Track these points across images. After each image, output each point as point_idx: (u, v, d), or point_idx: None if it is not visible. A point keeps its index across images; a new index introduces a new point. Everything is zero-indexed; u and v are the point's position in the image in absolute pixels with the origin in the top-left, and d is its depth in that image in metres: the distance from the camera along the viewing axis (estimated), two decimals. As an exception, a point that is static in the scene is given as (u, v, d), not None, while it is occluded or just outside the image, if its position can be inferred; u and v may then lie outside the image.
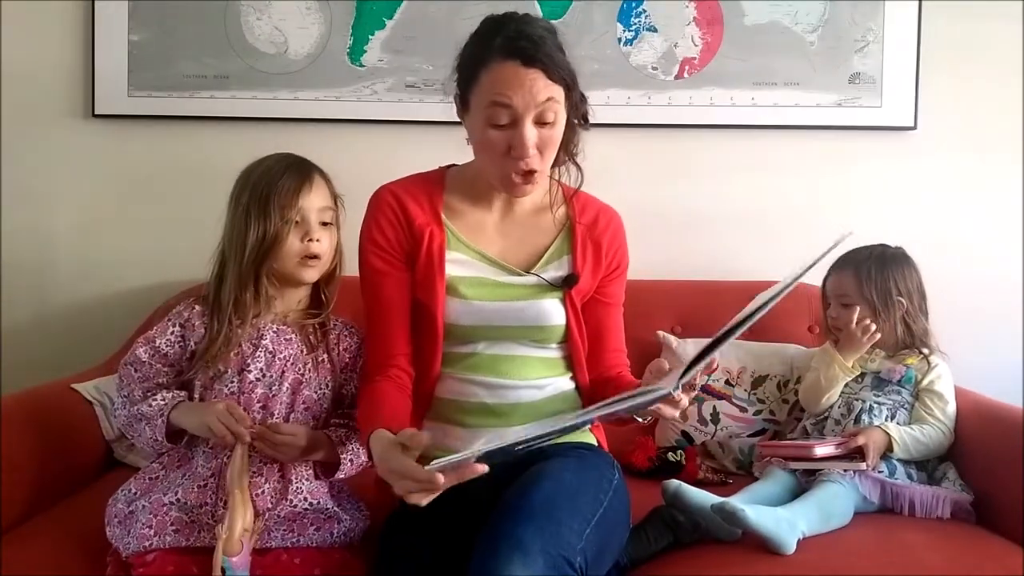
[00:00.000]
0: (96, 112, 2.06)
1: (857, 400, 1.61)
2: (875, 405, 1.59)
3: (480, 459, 0.99)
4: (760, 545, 1.31)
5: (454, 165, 1.43)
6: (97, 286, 2.10)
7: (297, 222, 1.31)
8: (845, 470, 1.47)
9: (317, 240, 1.32)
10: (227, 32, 2.07)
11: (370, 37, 2.08)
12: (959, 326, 2.04)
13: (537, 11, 2.06)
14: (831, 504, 1.41)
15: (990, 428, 1.54)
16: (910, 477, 1.51)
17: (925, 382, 1.60)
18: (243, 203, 1.30)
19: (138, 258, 2.10)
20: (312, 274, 1.34)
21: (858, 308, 1.62)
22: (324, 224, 1.34)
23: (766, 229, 2.12)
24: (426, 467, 0.99)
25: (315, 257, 1.32)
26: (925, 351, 1.63)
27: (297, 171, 1.33)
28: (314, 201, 1.33)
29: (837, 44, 2.09)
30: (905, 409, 1.59)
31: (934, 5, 2.08)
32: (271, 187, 1.30)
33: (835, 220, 2.09)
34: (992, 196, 2.14)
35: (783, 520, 1.32)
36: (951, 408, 1.58)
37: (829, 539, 1.35)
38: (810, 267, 1.07)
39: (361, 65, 2.08)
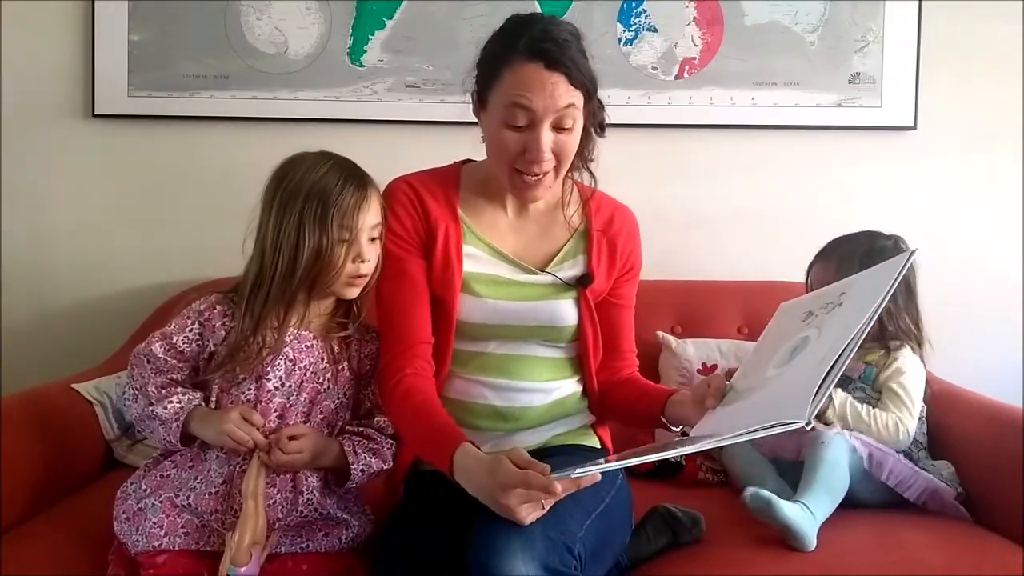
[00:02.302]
0: (96, 112, 2.06)
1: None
2: None
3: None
4: (759, 545, 1.31)
5: (469, 161, 1.41)
6: (97, 286, 2.11)
7: (349, 241, 1.24)
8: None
9: (367, 261, 1.26)
10: (227, 32, 2.07)
11: (370, 37, 2.08)
12: (959, 326, 2.05)
13: (537, 11, 2.06)
14: (834, 479, 1.39)
15: (990, 428, 1.54)
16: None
17: (883, 376, 1.57)
18: (295, 211, 1.22)
19: (138, 258, 2.10)
20: (355, 292, 1.29)
21: None
22: (371, 240, 1.28)
23: (766, 229, 2.12)
24: (553, 475, 1.00)
25: (361, 276, 1.27)
26: (892, 344, 1.59)
27: (356, 186, 1.25)
28: (369, 219, 1.26)
29: (837, 44, 2.09)
30: (868, 405, 1.56)
31: (934, 5, 2.08)
32: (329, 200, 1.22)
33: (835, 220, 2.09)
34: (992, 196, 2.14)
35: (807, 519, 1.31)
36: (910, 404, 1.53)
37: (829, 539, 1.34)
38: (890, 289, 1.03)
39: (361, 65, 2.08)
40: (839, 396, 1.53)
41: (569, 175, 1.36)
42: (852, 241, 1.65)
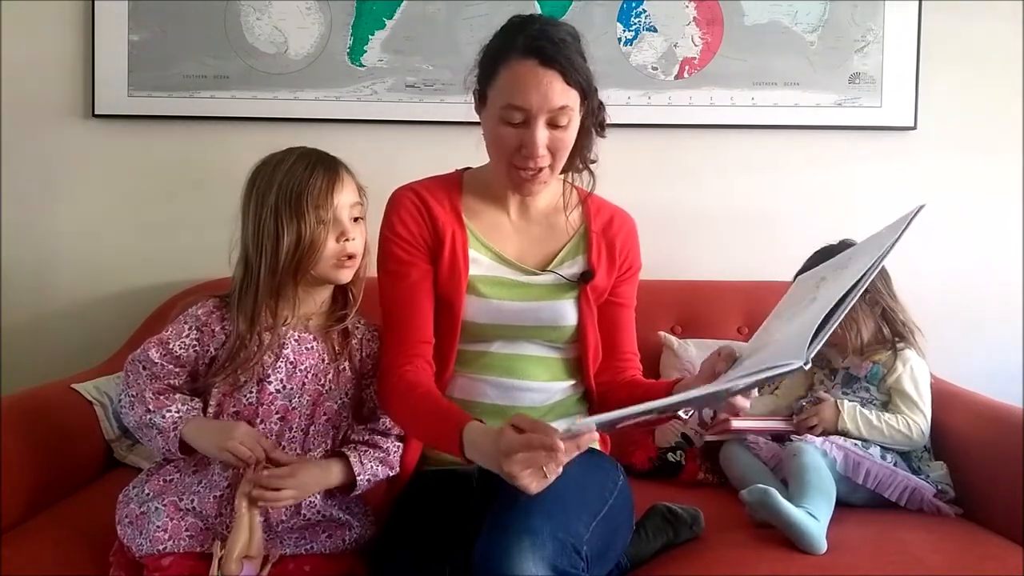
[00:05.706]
0: (96, 112, 2.07)
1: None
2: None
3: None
4: (759, 545, 1.31)
5: (469, 168, 1.43)
6: (97, 286, 2.11)
7: (329, 221, 1.25)
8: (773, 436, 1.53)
9: (352, 239, 1.27)
10: (227, 32, 2.07)
11: (370, 37, 2.08)
12: (959, 326, 2.06)
13: (537, 11, 2.06)
14: (821, 480, 1.41)
15: (990, 428, 1.54)
16: (883, 458, 1.50)
17: (891, 379, 1.58)
18: (270, 205, 1.23)
19: (138, 258, 2.10)
20: (348, 274, 1.29)
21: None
22: (355, 220, 1.29)
23: (766, 229, 2.12)
24: (555, 424, 0.99)
25: (351, 257, 1.28)
26: (899, 345, 1.61)
27: (325, 168, 1.27)
28: (346, 197, 1.27)
29: (837, 44, 2.09)
30: (873, 406, 1.58)
31: (934, 5, 2.08)
32: (301, 186, 1.23)
33: (835, 220, 2.10)
34: (992, 196, 2.14)
35: (812, 522, 1.31)
36: (922, 404, 1.56)
37: (829, 539, 1.34)
38: (895, 241, 1.01)
39: (361, 65, 2.08)
40: (846, 406, 1.54)
41: (569, 179, 1.37)
42: (818, 258, 1.66)
